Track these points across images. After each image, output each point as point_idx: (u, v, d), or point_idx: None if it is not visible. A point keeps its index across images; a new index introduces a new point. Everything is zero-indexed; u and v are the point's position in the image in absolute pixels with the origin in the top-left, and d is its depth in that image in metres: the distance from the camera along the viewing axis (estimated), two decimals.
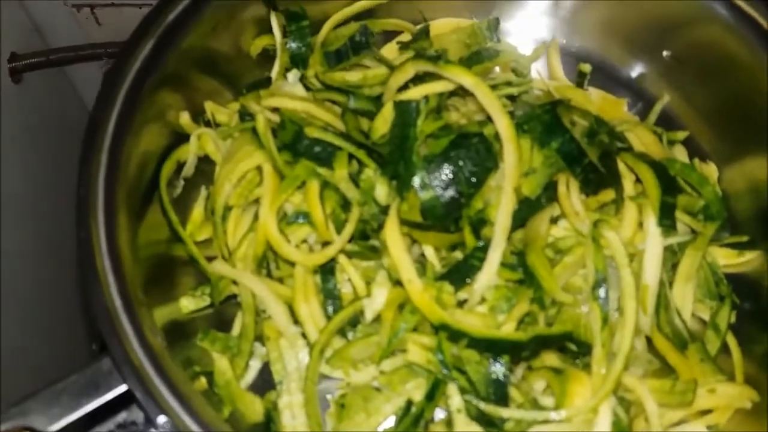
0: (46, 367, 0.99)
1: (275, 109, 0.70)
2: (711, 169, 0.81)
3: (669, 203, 0.68)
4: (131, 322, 0.52)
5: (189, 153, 0.72)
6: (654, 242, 0.67)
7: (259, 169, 0.69)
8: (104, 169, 0.60)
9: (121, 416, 0.58)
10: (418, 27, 0.86)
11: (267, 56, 0.82)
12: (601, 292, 0.63)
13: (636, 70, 0.87)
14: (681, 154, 0.80)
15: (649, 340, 0.69)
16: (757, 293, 0.74)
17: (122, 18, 1.10)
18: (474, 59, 0.83)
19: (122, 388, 0.51)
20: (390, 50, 0.86)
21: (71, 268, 1.09)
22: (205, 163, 0.76)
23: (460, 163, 0.65)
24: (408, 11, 0.88)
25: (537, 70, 0.85)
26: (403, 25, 0.87)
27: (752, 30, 0.75)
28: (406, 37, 0.87)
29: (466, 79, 0.63)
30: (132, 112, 0.66)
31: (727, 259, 0.76)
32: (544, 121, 0.66)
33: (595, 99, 0.83)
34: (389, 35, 0.88)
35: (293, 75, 0.74)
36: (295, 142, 0.67)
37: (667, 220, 0.67)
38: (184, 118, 0.73)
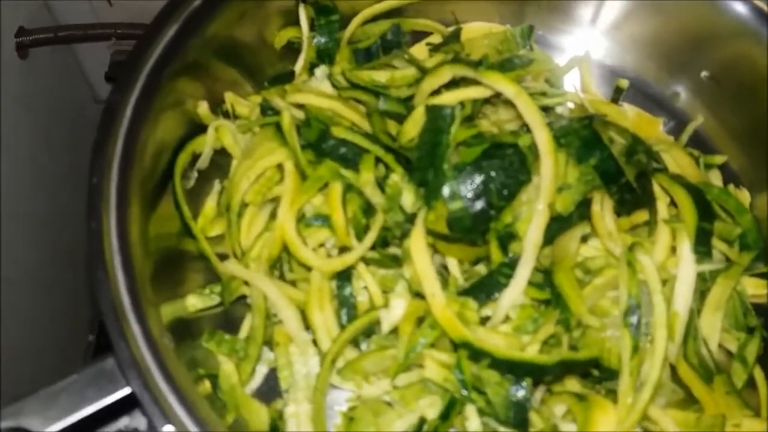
0: (45, 360, 0.96)
1: (299, 106, 0.67)
2: (744, 195, 0.79)
3: (706, 229, 0.65)
4: (139, 321, 0.49)
5: (205, 145, 0.69)
6: (687, 269, 0.65)
7: (279, 167, 0.66)
8: (119, 158, 0.57)
9: (123, 422, 0.55)
10: (450, 29, 0.84)
11: (291, 49, 0.80)
12: (633, 319, 0.60)
13: (671, 89, 0.85)
14: (716, 178, 0.78)
15: (672, 369, 0.66)
16: None
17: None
18: (506, 66, 0.79)
19: (125, 391, 0.48)
20: (419, 51, 0.83)
21: (75, 256, 1.06)
22: (220, 156, 0.73)
23: (492, 174, 0.62)
24: (439, 12, 0.86)
25: (572, 83, 0.83)
26: (434, 26, 0.84)
27: None
28: (436, 38, 0.84)
29: (507, 87, 0.60)
30: (150, 99, 0.64)
31: (755, 289, 0.74)
32: (583, 136, 0.63)
33: (630, 116, 0.80)
34: (418, 36, 0.85)
35: (321, 71, 0.72)
36: (320, 142, 0.64)
37: (702, 246, 0.65)
38: (203, 108, 0.71)
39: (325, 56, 0.77)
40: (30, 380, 0.88)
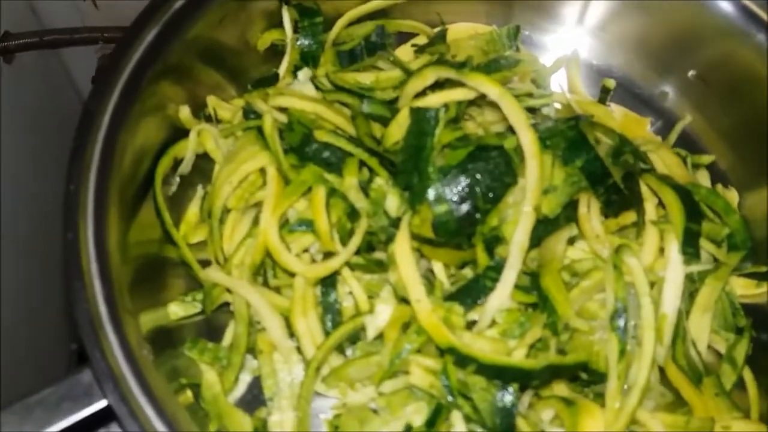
0: (27, 370, 0.94)
1: (282, 109, 0.66)
2: (732, 195, 0.78)
3: (693, 230, 0.65)
4: (117, 332, 0.48)
5: (187, 149, 0.68)
6: (675, 270, 0.64)
7: (262, 171, 0.65)
8: (97, 165, 0.56)
9: None
10: (435, 30, 0.83)
11: (275, 51, 0.79)
12: (620, 321, 0.60)
13: (659, 88, 0.85)
14: (704, 178, 0.77)
15: (661, 371, 0.66)
16: None
17: (121, 2, 1.06)
18: (492, 67, 0.78)
19: (102, 403, 0.47)
20: (404, 53, 0.82)
21: (60, 263, 1.05)
22: (204, 161, 0.72)
23: (478, 176, 0.61)
24: (425, 13, 0.85)
25: (558, 83, 0.82)
26: (420, 27, 0.84)
27: None
28: (421, 39, 0.84)
29: (491, 89, 0.60)
30: (129, 103, 0.63)
31: (745, 289, 0.74)
32: (569, 137, 0.63)
33: (617, 116, 0.80)
34: (404, 37, 0.84)
35: (304, 74, 0.71)
36: (303, 146, 0.63)
37: (690, 247, 0.64)
38: (184, 112, 0.70)
39: (309, 58, 0.76)
40: (12, 388, 0.86)
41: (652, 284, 0.64)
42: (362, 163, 0.64)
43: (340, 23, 0.80)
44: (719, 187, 0.77)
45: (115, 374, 0.47)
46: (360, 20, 0.82)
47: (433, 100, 0.63)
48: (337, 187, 0.62)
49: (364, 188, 0.63)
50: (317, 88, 0.72)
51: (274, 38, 0.78)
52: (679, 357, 0.65)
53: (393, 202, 0.61)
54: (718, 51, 0.78)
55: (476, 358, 0.57)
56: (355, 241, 0.61)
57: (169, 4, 0.69)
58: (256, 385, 0.64)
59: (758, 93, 0.75)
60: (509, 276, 0.59)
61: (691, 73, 0.81)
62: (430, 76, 0.64)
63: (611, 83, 0.82)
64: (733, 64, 0.77)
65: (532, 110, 0.74)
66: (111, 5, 1.07)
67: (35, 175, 1.03)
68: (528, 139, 0.58)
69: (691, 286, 0.69)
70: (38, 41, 0.97)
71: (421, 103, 0.63)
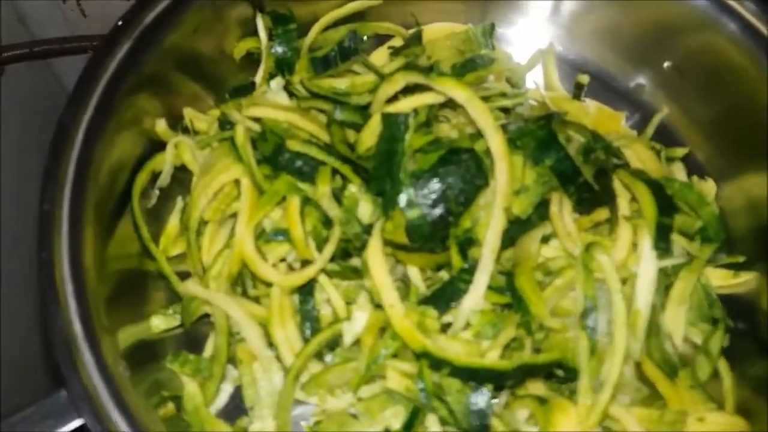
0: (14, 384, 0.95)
1: (257, 119, 0.67)
2: (709, 186, 0.78)
3: (665, 225, 0.65)
4: (92, 351, 0.49)
5: (165, 163, 0.69)
6: (648, 266, 0.65)
7: (237, 182, 0.66)
8: (71, 183, 0.57)
9: None
10: (411, 32, 0.83)
11: (252, 60, 0.79)
12: (590, 320, 0.60)
13: (635, 81, 0.85)
14: (679, 171, 0.78)
15: (638, 366, 0.66)
16: (752, 314, 0.72)
17: (109, 9, 1.05)
18: (468, 66, 0.79)
19: (78, 422, 0.48)
20: (381, 55, 0.83)
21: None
22: (183, 172, 0.73)
23: (450, 180, 0.62)
24: (401, 14, 0.85)
25: (533, 80, 0.82)
26: (395, 29, 0.84)
27: (756, 41, 0.73)
28: (398, 41, 0.84)
29: (458, 92, 0.60)
30: (105, 118, 0.64)
31: (722, 280, 0.74)
32: (539, 137, 0.63)
33: (591, 111, 0.80)
34: (381, 39, 0.85)
35: (276, 83, 0.71)
36: (276, 155, 0.64)
37: (662, 242, 0.65)
38: (161, 125, 0.70)
39: (284, 66, 0.76)
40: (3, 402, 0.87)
41: (625, 280, 0.64)
42: (336, 171, 0.64)
43: (316, 28, 0.80)
44: (695, 179, 0.78)
45: (91, 394, 0.48)
46: (336, 24, 0.82)
47: (403, 105, 0.64)
48: (311, 196, 0.63)
49: (338, 196, 0.64)
50: (293, 95, 0.73)
51: (249, 46, 0.78)
52: (654, 351, 0.65)
53: (366, 209, 0.62)
54: (691, 41, 0.78)
55: (450, 360, 0.58)
56: (329, 249, 0.62)
57: (143, 17, 0.69)
58: (238, 394, 0.65)
59: (734, 83, 0.75)
60: (481, 278, 0.60)
61: (666, 64, 0.81)
62: (400, 81, 0.64)
63: (585, 79, 0.82)
64: (708, 55, 0.77)
65: (505, 110, 0.74)
66: (99, 14, 1.07)
67: (27, 188, 1.04)
68: (496, 142, 0.59)
69: (666, 280, 0.69)
70: (28, 52, 0.98)
71: (392, 108, 0.64)
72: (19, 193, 1.02)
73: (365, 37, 0.83)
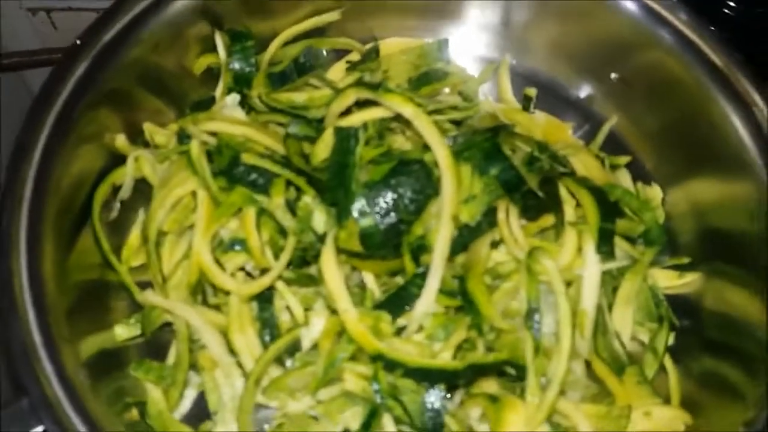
0: None
1: (214, 133, 0.69)
2: (655, 192, 0.81)
3: (607, 229, 0.68)
4: (52, 360, 0.51)
5: (125, 176, 0.70)
6: (592, 269, 0.67)
7: (194, 194, 0.68)
8: (29, 199, 0.58)
9: None
10: (368, 47, 0.85)
11: (212, 74, 0.80)
12: (534, 321, 0.63)
13: (584, 91, 0.88)
14: (624, 178, 0.81)
15: (588, 364, 0.69)
16: (696, 313, 0.75)
17: (80, 22, 1.06)
18: (423, 80, 0.83)
19: (40, 428, 0.49)
20: (339, 69, 0.85)
21: None
22: (145, 185, 0.73)
23: (401, 190, 0.64)
24: (359, 30, 0.86)
25: (484, 92, 0.85)
26: (352, 44, 0.86)
27: (694, 55, 0.76)
28: (355, 56, 0.86)
29: (405, 108, 0.63)
30: (64, 134, 0.65)
31: (668, 281, 0.77)
32: (484, 148, 0.66)
33: (540, 122, 0.83)
34: (341, 53, 0.86)
35: (232, 98, 0.73)
36: (231, 168, 0.66)
37: (605, 246, 0.68)
38: (120, 140, 0.71)
39: (242, 81, 0.78)
40: None
41: (571, 282, 0.68)
42: (290, 182, 0.67)
43: (275, 43, 0.82)
44: (640, 185, 0.81)
45: (51, 402, 0.49)
46: (296, 39, 0.84)
47: (354, 119, 0.66)
48: (266, 207, 0.65)
49: (293, 206, 0.66)
50: (252, 109, 0.75)
51: (209, 62, 0.80)
52: (601, 350, 0.68)
53: (320, 219, 0.64)
54: (635, 54, 0.80)
55: (403, 362, 0.60)
56: (284, 258, 0.64)
57: (102, 34, 0.71)
58: (202, 399, 0.66)
59: (675, 93, 0.78)
60: (433, 282, 0.63)
61: (613, 75, 0.84)
62: (351, 97, 0.67)
63: (532, 92, 0.85)
64: (650, 66, 0.80)
65: (457, 122, 0.77)
66: (70, 27, 1.08)
67: None
68: (442, 155, 0.62)
69: (613, 282, 0.72)
70: None
71: (344, 122, 0.66)
72: None
73: (325, 52, 0.86)
